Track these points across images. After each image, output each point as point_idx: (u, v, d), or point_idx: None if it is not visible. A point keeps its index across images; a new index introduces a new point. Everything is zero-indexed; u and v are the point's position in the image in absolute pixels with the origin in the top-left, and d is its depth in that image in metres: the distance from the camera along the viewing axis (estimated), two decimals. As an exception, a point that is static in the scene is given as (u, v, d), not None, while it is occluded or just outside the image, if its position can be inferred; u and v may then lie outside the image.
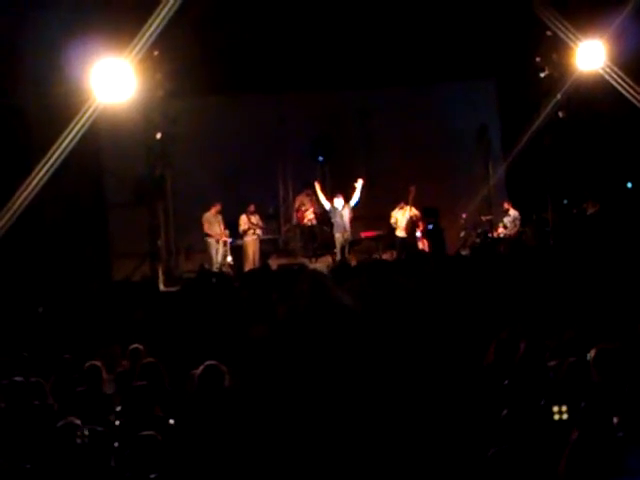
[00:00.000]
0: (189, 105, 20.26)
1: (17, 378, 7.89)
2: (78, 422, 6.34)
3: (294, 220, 21.81)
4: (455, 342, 7.98)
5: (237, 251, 20.39)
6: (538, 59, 19.76)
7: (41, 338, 12.14)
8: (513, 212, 20.71)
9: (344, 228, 19.74)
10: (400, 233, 20.55)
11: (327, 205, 20.10)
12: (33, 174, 15.78)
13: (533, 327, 8.89)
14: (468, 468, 5.48)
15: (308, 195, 21.61)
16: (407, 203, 20.43)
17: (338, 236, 19.82)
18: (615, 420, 5.66)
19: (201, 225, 19.98)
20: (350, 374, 7.03)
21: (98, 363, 8.67)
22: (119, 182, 20.21)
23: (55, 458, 6.13)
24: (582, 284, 12.12)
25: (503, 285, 12.43)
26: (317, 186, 20.50)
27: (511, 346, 7.61)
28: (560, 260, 15.20)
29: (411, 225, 20.50)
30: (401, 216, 20.53)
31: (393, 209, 20.79)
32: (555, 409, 5.86)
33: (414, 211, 20.47)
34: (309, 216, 21.38)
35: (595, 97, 18.46)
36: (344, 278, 14.02)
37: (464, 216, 21.30)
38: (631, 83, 17.22)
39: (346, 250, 19.78)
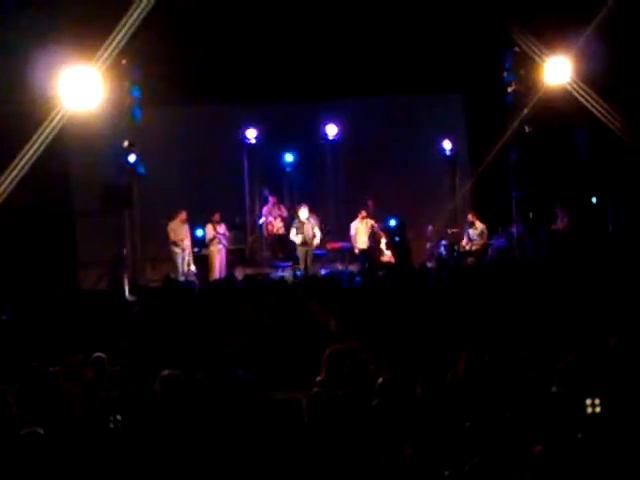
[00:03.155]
0: (156, 114, 20.21)
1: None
2: (41, 431, 6.30)
3: (264, 232, 21.77)
4: (420, 353, 8.02)
5: (203, 261, 20.33)
6: (505, 74, 19.91)
7: (5, 346, 12.04)
8: (480, 225, 20.75)
9: (306, 239, 19.71)
10: (361, 245, 20.55)
11: None
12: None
13: (498, 340, 8.93)
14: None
15: (274, 204, 21.64)
16: (367, 215, 20.52)
17: (301, 247, 19.83)
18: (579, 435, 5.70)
19: (167, 234, 19.92)
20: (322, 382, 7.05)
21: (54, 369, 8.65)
22: (86, 190, 20.12)
23: (17, 467, 6.09)
24: (549, 297, 12.19)
25: (469, 297, 12.48)
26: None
27: (477, 359, 7.64)
28: (527, 273, 15.28)
29: (372, 236, 20.54)
30: (362, 227, 20.57)
31: (352, 221, 20.80)
32: (588, 402, 5.86)
33: (372, 223, 20.54)
34: (278, 224, 21.42)
35: (561, 112, 18.60)
36: (309, 290, 14.08)
37: (430, 228, 21.39)
38: (596, 98, 17.38)
39: (309, 261, 19.77)
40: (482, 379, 7.21)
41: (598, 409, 5.84)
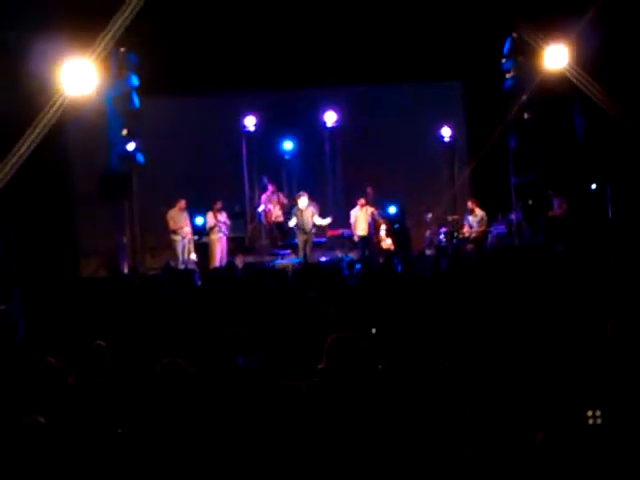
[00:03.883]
0: (155, 102, 20.21)
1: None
2: (42, 420, 6.31)
3: (263, 220, 21.76)
4: (421, 341, 8.02)
5: (203, 249, 20.33)
6: (504, 61, 19.91)
7: (5, 335, 12.06)
8: (479, 212, 20.73)
9: (304, 228, 19.65)
10: (361, 232, 20.55)
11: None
12: (-1, 171, 15.67)
13: (497, 326, 8.94)
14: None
15: (273, 192, 21.65)
16: (367, 202, 20.53)
17: (300, 235, 19.81)
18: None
19: (166, 222, 19.92)
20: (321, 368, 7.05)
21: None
22: (86, 178, 20.12)
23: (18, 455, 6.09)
24: (548, 283, 12.20)
25: (468, 284, 12.49)
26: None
27: (476, 346, 7.65)
28: (525, 259, 15.30)
29: (372, 223, 20.56)
30: (362, 214, 20.56)
31: (352, 208, 20.79)
32: (589, 413, 5.88)
33: (372, 210, 20.56)
34: (277, 212, 21.44)
35: (560, 98, 18.61)
36: (307, 277, 14.09)
37: (430, 216, 21.40)
38: (595, 84, 17.37)
39: (308, 249, 19.74)
40: (481, 366, 7.22)
41: (599, 421, 5.86)
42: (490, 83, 20.60)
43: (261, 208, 21.68)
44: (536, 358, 6.99)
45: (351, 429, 6.03)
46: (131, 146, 19.32)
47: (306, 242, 19.73)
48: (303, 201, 19.70)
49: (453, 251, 19.70)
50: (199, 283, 15.45)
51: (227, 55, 20.60)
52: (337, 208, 21.62)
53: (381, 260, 18.37)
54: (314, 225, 19.74)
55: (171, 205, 19.99)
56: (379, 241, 20.74)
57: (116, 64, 18.55)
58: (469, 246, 20.33)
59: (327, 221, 19.86)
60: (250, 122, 22.06)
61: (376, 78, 21.62)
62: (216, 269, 18.70)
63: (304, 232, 19.68)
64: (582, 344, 6.95)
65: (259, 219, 21.92)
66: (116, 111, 19.02)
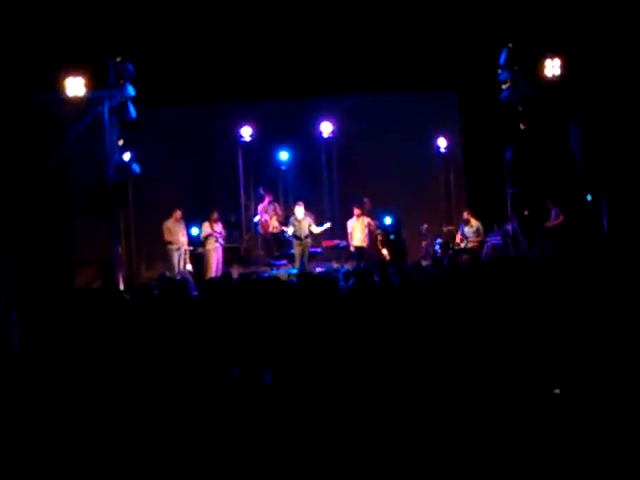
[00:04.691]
0: (151, 112, 20.22)
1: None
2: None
3: (260, 230, 21.73)
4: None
5: (199, 259, 20.29)
6: (499, 72, 19.95)
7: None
8: (475, 222, 20.75)
9: (301, 236, 19.66)
10: (358, 243, 20.51)
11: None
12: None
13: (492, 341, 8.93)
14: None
15: (270, 202, 21.64)
16: (363, 213, 20.52)
17: (296, 246, 19.81)
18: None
19: (162, 233, 19.88)
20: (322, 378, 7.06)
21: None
22: (81, 189, 20.09)
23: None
24: (542, 294, 12.19)
25: (462, 295, 12.48)
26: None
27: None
28: (520, 271, 15.29)
29: (369, 234, 20.54)
30: (358, 225, 20.55)
31: (348, 219, 20.78)
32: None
33: (369, 221, 20.55)
34: (274, 224, 21.41)
35: (555, 109, 18.65)
36: (305, 288, 14.06)
37: (425, 226, 21.41)
38: (591, 95, 17.42)
39: (305, 259, 19.73)
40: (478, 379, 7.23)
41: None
42: (486, 94, 20.64)
43: (257, 218, 21.67)
44: (532, 365, 7.00)
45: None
46: (127, 156, 19.31)
47: (303, 252, 19.71)
48: (300, 211, 19.70)
49: (448, 261, 19.68)
50: (194, 293, 15.42)
51: (223, 65, 20.64)
52: (333, 218, 21.61)
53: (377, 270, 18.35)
54: (310, 233, 19.72)
55: (167, 215, 19.96)
56: (378, 251, 20.73)
57: (113, 74, 18.54)
58: (464, 256, 20.33)
59: (326, 226, 19.86)
60: (246, 132, 22.07)
61: (372, 89, 21.64)
62: (212, 279, 18.65)
63: (300, 241, 19.67)
64: (577, 355, 6.96)
65: (255, 229, 21.92)
66: (112, 121, 19.00)
